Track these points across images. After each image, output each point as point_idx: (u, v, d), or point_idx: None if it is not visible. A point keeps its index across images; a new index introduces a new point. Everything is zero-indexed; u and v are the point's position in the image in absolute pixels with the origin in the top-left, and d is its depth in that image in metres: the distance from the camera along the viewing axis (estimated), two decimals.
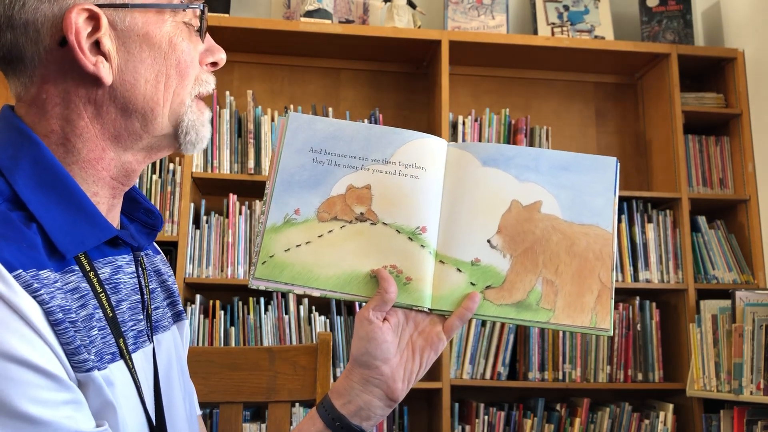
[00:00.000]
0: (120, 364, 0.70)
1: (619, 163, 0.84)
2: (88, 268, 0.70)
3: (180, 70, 0.75)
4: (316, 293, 0.80)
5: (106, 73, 0.71)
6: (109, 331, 0.70)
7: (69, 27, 0.68)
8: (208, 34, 0.81)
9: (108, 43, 0.71)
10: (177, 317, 0.91)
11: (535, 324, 0.80)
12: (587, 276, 0.80)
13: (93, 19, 0.70)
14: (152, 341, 0.80)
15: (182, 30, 0.76)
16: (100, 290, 0.70)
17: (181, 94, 0.76)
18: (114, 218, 0.78)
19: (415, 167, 0.82)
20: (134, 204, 0.84)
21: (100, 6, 0.70)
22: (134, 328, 0.76)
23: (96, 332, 0.67)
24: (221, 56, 0.81)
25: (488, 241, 0.81)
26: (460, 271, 0.80)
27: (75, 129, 0.72)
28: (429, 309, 0.80)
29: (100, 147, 0.73)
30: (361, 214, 0.81)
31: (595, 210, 0.82)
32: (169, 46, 0.74)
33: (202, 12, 0.78)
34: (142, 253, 0.82)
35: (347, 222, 0.81)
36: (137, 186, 0.84)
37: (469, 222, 0.81)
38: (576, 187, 0.83)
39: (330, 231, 0.81)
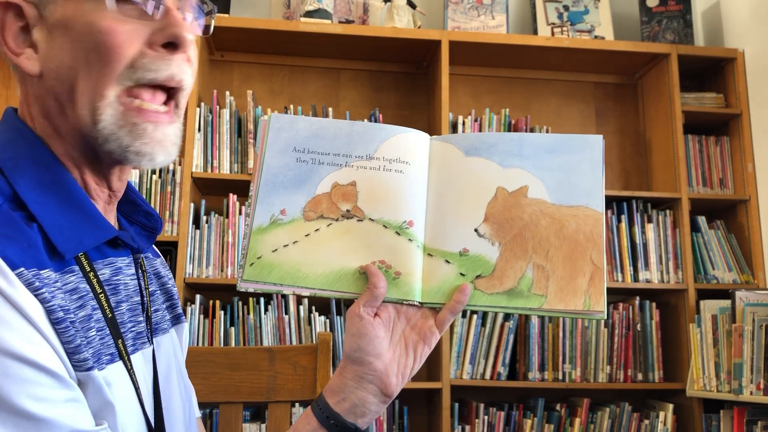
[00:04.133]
0: (119, 365, 0.69)
1: (604, 141, 0.82)
2: (87, 268, 0.70)
3: (100, 53, 0.67)
4: (306, 292, 0.79)
5: (29, 64, 0.69)
6: (108, 332, 0.69)
7: None
8: (169, 11, 0.70)
9: (36, 33, 0.70)
10: (176, 320, 0.91)
11: (527, 311, 0.78)
12: (578, 258, 0.78)
13: (18, 11, 0.69)
14: (152, 343, 0.80)
15: (112, 10, 0.67)
16: (99, 291, 0.70)
17: (102, 82, 0.67)
18: (110, 221, 0.78)
19: (399, 162, 0.82)
20: (133, 206, 0.84)
21: None
22: (134, 329, 0.76)
23: (94, 333, 0.67)
24: (173, 31, 0.68)
25: (475, 230, 0.80)
26: (448, 262, 0.80)
27: (49, 125, 0.72)
28: (420, 303, 0.80)
29: (71, 144, 0.72)
30: (348, 211, 0.81)
31: (583, 190, 0.80)
32: (86, 26, 0.67)
33: None
34: (142, 256, 0.81)
35: (334, 220, 0.81)
36: (137, 189, 0.83)
37: (455, 213, 0.81)
38: (562, 168, 0.81)
39: (317, 230, 0.81)
